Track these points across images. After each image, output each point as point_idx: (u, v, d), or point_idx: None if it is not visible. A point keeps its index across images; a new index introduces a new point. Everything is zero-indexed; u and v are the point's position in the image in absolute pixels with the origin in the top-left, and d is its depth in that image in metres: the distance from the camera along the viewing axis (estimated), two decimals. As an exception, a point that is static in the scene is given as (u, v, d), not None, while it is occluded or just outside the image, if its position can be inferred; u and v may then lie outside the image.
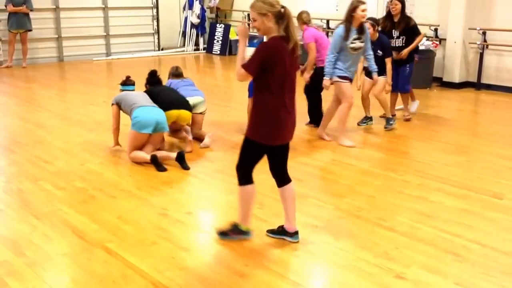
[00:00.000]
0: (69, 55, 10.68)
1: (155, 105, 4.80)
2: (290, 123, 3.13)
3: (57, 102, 7.48)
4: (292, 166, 4.65)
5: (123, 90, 5.17)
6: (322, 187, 4.23)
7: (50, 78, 9.00)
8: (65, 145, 5.31)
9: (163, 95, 5.01)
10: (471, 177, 4.47)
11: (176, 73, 5.72)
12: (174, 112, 4.92)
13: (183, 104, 5.04)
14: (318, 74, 5.57)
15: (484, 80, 8.26)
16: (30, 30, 9.62)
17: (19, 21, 9.43)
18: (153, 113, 4.67)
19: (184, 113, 5.01)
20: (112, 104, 4.93)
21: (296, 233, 3.29)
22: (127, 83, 5.26)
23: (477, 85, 8.26)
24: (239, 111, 6.87)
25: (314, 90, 5.80)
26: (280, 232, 3.32)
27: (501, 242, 3.30)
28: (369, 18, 5.71)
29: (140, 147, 4.69)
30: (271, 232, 3.37)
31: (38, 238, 3.32)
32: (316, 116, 5.92)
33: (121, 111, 4.93)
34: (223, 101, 7.47)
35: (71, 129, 5.91)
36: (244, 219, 3.26)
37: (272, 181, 4.24)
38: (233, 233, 3.28)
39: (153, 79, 5.31)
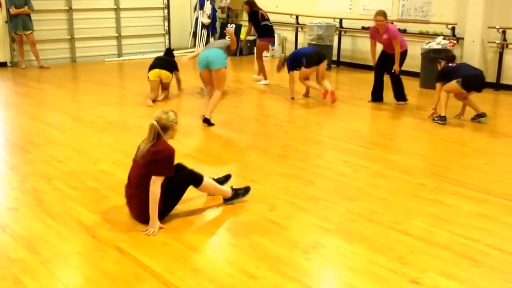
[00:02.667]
0: (82, 56, 10.74)
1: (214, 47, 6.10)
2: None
3: (69, 102, 7.52)
4: (304, 168, 4.64)
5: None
6: (334, 189, 4.18)
7: (62, 78, 9.06)
8: (78, 145, 5.33)
9: None
10: (489, 180, 4.39)
11: None
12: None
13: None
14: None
15: (503, 81, 8.10)
16: (34, 31, 9.69)
17: (23, 23, 9.49)
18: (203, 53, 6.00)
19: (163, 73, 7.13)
20: None
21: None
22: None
23: (496, 86, 8.11)
24: (249, 112, 6.85)
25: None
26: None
27: (519, 247, 3.23)
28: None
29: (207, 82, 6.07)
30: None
31: (52, 236, 3.33)
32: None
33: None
34: (233, 101, 7.44)
35: (84, 129, 5.94)
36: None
37: (283, 183, 4.23)
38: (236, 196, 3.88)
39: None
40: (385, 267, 2.98)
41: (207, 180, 3.73)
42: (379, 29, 6.86)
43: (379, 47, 7.15)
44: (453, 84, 6.00)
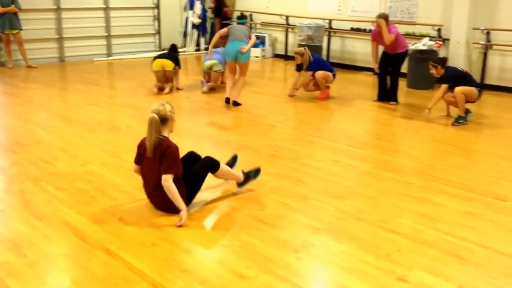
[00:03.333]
0: (70, 56, 10.66)
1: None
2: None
3: (58, 102, 7.47)
4: (294, 168, 4.66)
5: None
6: (324, 188, 4.21)
7: (51, 78, 8.99)
8: (66, 145, 5.30)
9: None
10: (474, 178, 4.45)
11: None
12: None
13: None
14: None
15: (487, 81, 8.21)
16: (21, 30, 9.60)
17: (10, 22, 9.40)
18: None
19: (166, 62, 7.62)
20: None
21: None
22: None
23: (480, 86, 8.19)
24: (242, 112, 6.86)
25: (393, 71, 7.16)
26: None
27: (505, 245, 3.28)
28: (431, 60, 6.49)
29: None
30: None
31: (39, 239, 3.30)
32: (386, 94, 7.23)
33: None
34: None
35: (72, 130, 5.90)
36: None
37: (274, 183, 4.25)
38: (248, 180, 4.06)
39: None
40: (374, 265, 3.01)
41: (223, 166, 3.93)
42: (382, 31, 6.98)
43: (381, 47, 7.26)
44: (473, 91, 6.13)
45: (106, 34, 11.12)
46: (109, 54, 11.15)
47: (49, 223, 3.53)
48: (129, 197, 4.00)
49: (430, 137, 5.77)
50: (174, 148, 3.57)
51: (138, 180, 4.33)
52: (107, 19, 11.10)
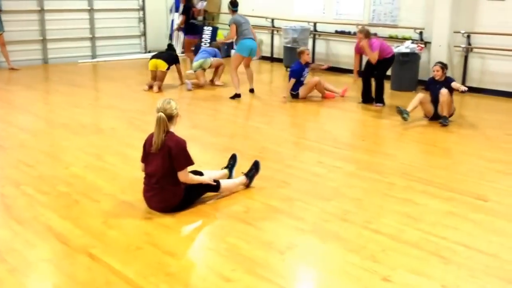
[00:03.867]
0: (54, 57, 10.55)
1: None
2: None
3: (41, 104, 7.38)
4: (278, 169, 4.67)
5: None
6: (309, 189, 4.22)
7: (34, 80, 8.89)
8: (48, 148, 5.24)
9: None
10: (455, 179, 4.51)
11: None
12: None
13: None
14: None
15: (468, 83, 8.33)
16: (4, 31, 9.47)
17: None
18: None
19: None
20: None
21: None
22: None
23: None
24: (227, 115, 6.86)
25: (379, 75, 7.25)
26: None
27: (486, 244, 3.33)
28: (439, 62, 6.50)
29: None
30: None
31: (20, 244, 3.25)
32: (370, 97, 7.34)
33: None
34: (211, 103, 7.44)
35: (55, 132, 5.83)
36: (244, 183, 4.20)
37: (259, 185, 4.25)
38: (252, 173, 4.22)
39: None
40: (358, 266, 3.03)
41: (224, 184, 4.02)
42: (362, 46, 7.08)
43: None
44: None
45: (90, 36, 11.04)
46: (93, 56, 11.07)
47: (30, 228, 3.47)
48: (113, 200, 3.97)
49: (413, 139, 5.84)
50: (183, 144, 3.68)
51: (122, 183, 4.31)
52: (92, 21, 11.02)
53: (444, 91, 6.20)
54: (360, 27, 7.43)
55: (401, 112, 6.18)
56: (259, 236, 3.40)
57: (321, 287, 2.91)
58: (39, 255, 3.14)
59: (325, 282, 2.91)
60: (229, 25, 7.56)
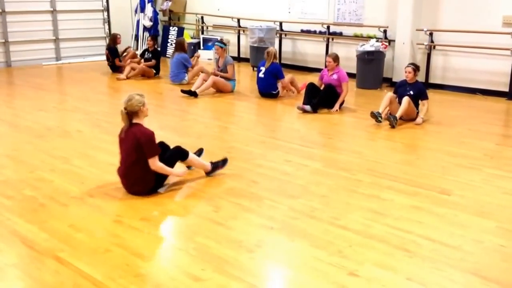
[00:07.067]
0: (17, 60, 10.29)
1: None
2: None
3: (4, 108, 7.19)
4: (247, 168, 4.71)
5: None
6: (277, 188, 4.27)
7: (-4, 83, 8.64)
8: (13, 152, 5.11)
9: None
10: (420, 174, 4.64)
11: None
12: None
13: None
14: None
15: (431, 80, 8.58)
16: None
17: None
18: None
19: None
20: None
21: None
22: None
23: (425, 85, 8.55)
24: (196, 115, 6.85)
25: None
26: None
27: (449, 237, 3.44)
28: (411, 64, 6.56)
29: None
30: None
31: (-16, 250, 3.18)
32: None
33: None
34: (179, 105, 7.41)
35: (20, 136, 5.70)
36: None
37: (228, 184, 4.28)
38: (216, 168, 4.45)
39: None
40: (325, 261, 3.09)
41: (192, 155, 4.31)
42: (329, 70, 7.04)
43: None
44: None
45: (54, 38, 10.80)
46: (58, 58, 10.84)
47: (-5, 233, 3.40)
48: (80, 203, 3.92)
49: (378, 135, 5.97)
50: (149, 134, 3.93)
51: (90, 185, 4.26)
52: (55, 23, 10.79)
53: (407, 100, 6.20)
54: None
55: (375, 116, 6.21)
56: (228, 235, 3.43)
57: (290, 283, 2.96)
58: (6, 260, 3.08)
59: (294, 279, 2.96)
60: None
